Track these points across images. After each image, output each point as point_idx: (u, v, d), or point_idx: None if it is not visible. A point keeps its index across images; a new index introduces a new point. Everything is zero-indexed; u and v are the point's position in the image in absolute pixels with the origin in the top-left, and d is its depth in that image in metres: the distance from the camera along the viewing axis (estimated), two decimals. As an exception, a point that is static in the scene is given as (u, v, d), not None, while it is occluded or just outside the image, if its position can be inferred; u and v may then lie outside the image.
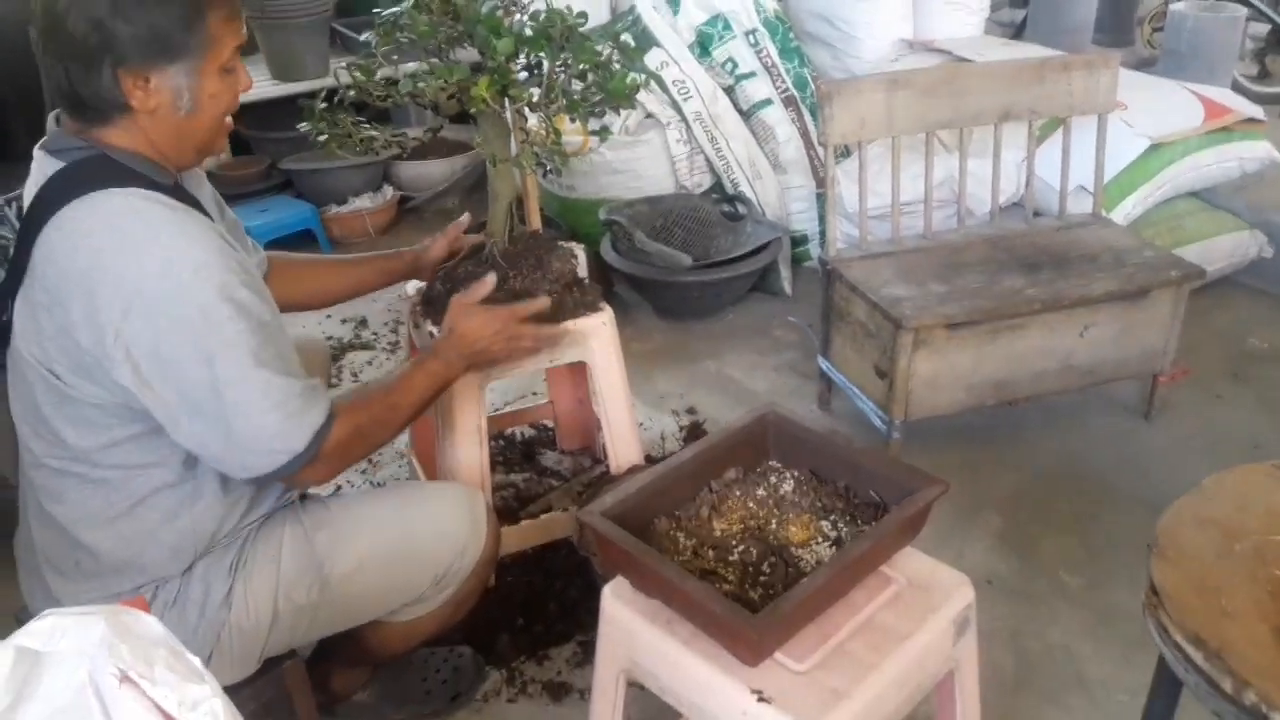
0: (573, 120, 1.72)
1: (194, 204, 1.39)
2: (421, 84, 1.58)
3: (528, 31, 1.60)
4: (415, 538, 1.56)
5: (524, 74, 1.70)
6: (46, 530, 1.42)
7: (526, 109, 1.71)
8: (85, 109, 1.29)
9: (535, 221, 1.97)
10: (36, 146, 1.35)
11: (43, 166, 1.32)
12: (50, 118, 1.37)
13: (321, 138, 1.68)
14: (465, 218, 1.89)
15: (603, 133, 1.98)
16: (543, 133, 1.64)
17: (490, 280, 1.69)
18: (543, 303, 1.70)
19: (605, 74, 1.63)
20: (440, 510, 1.61)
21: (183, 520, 1.40)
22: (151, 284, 1.24)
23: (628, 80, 1.63)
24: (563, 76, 1.66)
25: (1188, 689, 1.02)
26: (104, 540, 1.39)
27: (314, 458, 1.35)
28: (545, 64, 1.65)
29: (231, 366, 1.28)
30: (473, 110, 1.64)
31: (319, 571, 1.49)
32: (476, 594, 1.68)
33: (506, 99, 1.65)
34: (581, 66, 1.63)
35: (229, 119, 1.40)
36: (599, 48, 1.63)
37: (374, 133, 1.68)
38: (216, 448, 1.32)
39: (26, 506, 1.45)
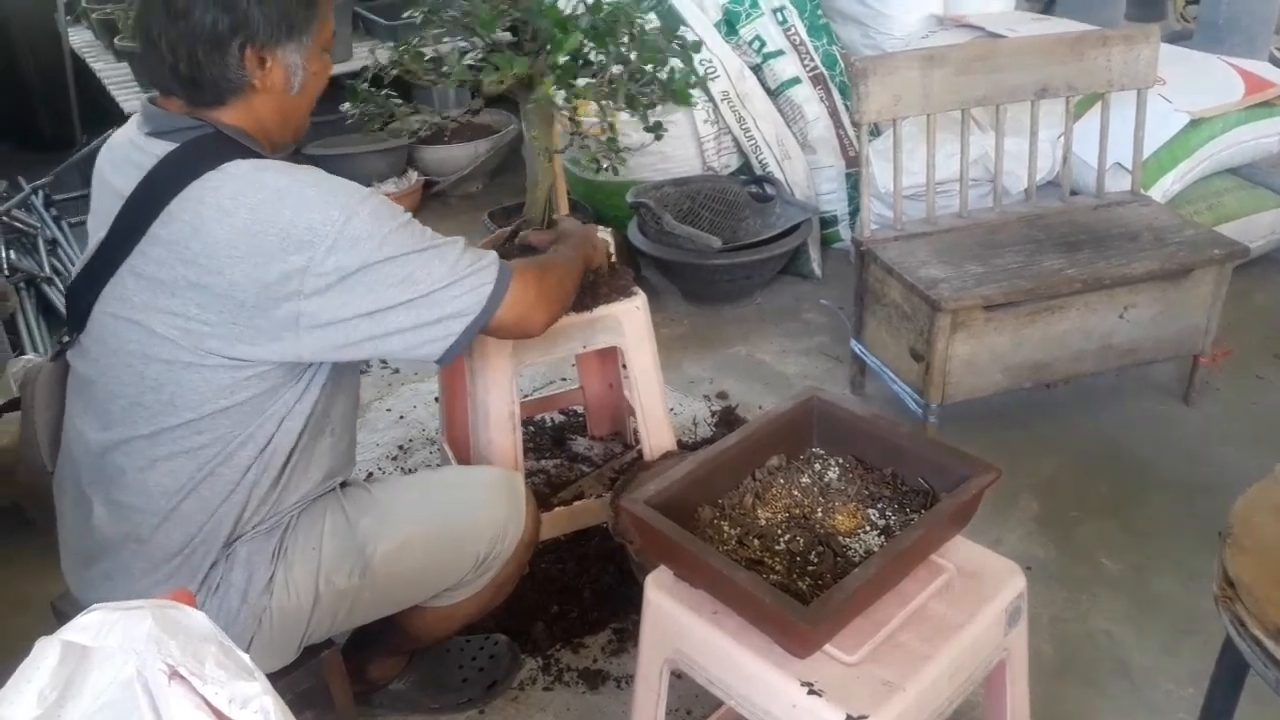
0: (632, 115, 1.69)
1: None
2: (481, 75, 1.56)
3: (585, 23, 1.57)
4: (457, 518, 1.56)
5: (574, 62, 1.67)
6: (114, 507, 1.39)
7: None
8: (203, 91, 1.33)
9: (564, 206, 1.94)
10: (137, 130, 1.36)
11: (149, 148, 1.33)
12: (143, 101, 1.40)
13: (369, 121, 1.69)
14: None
15: (656, 129, 1.92)
16: (599, 131, 1.62)
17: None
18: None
19: (670, 75, 1.61)
20: (480, 491, 1.60)
21: (251, 475, 1.39)
22: (318, 220, 1.27)
23: (688, 79, 1.61)
24: (619, 70, 1.63)
25: (1266, 685, 0.98)
26: (180, 506, 1.37)
27: (509, 281, 1.41)
28: (606, 61, 1.62)
29: (413, 241, 1.34)
30: (524, 103, 1.61)
31: (361, 553, 1.49)
32: (516, 577, 1.67)
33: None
34: (648, 67, 1.60)
35: None
36: (661, 45, 1.61)
37: (420, 115, 1.67)
38: (432, 313, 1.36)
39: (90, 488, 1.42)
